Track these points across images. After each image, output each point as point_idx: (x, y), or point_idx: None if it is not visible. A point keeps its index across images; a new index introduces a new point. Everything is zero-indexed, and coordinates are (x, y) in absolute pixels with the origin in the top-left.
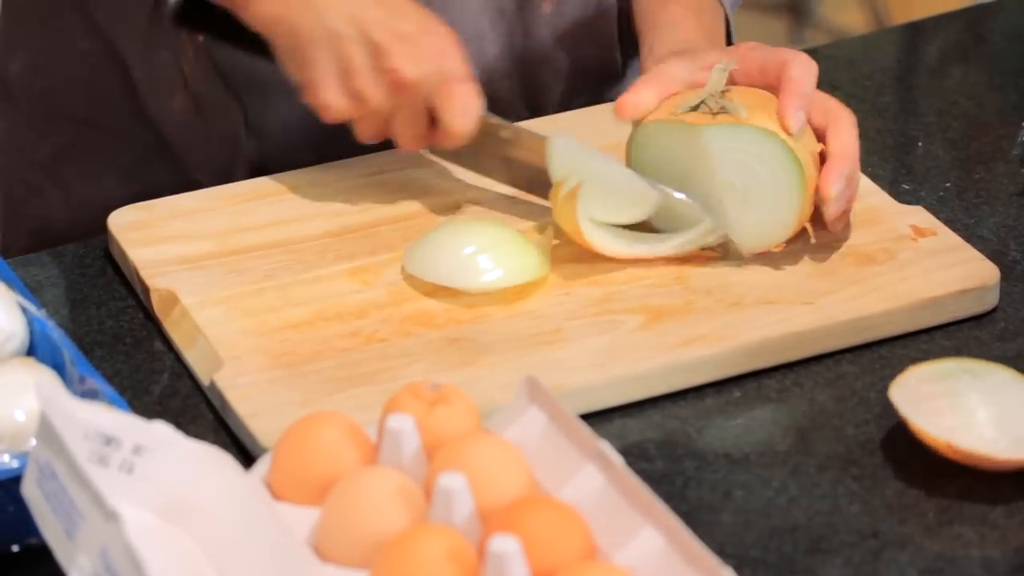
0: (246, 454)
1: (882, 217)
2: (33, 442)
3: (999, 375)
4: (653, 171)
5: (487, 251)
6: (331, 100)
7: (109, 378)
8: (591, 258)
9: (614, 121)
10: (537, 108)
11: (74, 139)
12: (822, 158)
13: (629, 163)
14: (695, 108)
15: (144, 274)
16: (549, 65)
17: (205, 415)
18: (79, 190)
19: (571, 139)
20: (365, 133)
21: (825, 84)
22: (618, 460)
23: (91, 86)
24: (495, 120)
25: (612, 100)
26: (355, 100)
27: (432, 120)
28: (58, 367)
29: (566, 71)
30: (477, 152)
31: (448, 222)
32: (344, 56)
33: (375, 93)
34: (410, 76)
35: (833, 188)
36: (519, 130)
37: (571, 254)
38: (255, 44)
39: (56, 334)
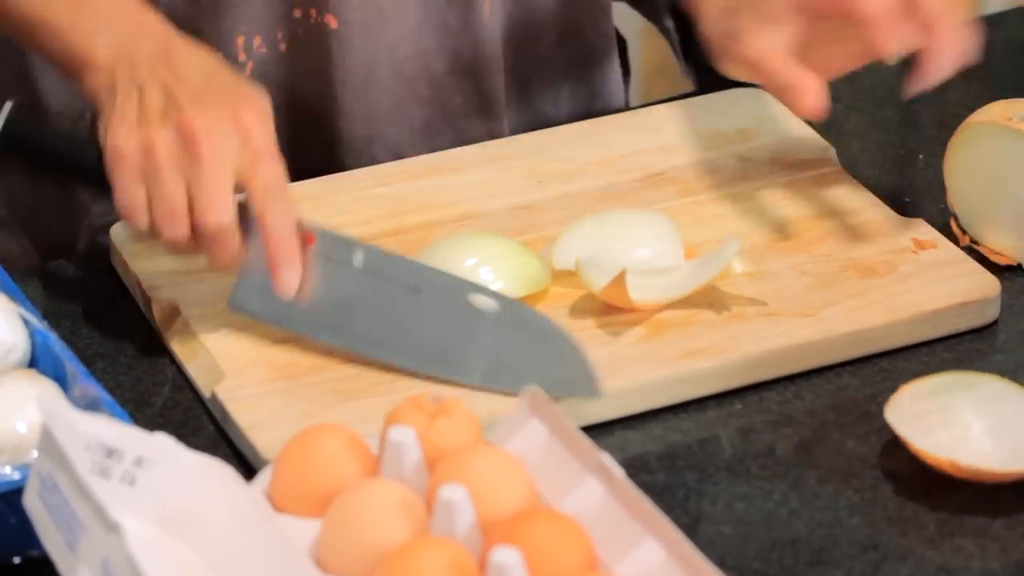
0: (247, 466)
1: (883, 230)
2: (35, 454)
3: (991, 385)
4: (969, 171)
5: (488, 263)
6: (119, 143)
7: (111, 390)
8: None
9: (612, 134)
10: (525, 106)
11: None
12: None
13: (947, 158)
14: None
15: (146, 286)
16: (505, 66)
17: (207, 427)
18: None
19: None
20: (154, 206)
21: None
22: (619, 472)
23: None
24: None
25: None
26: (141, 151)
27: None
28: (60, 379)
29: (533, 66)
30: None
31: (450, 234)
32: (144, 105)
33: (162, 143)
34: (198, 128)
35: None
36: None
37: None
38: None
39: (58, 346)
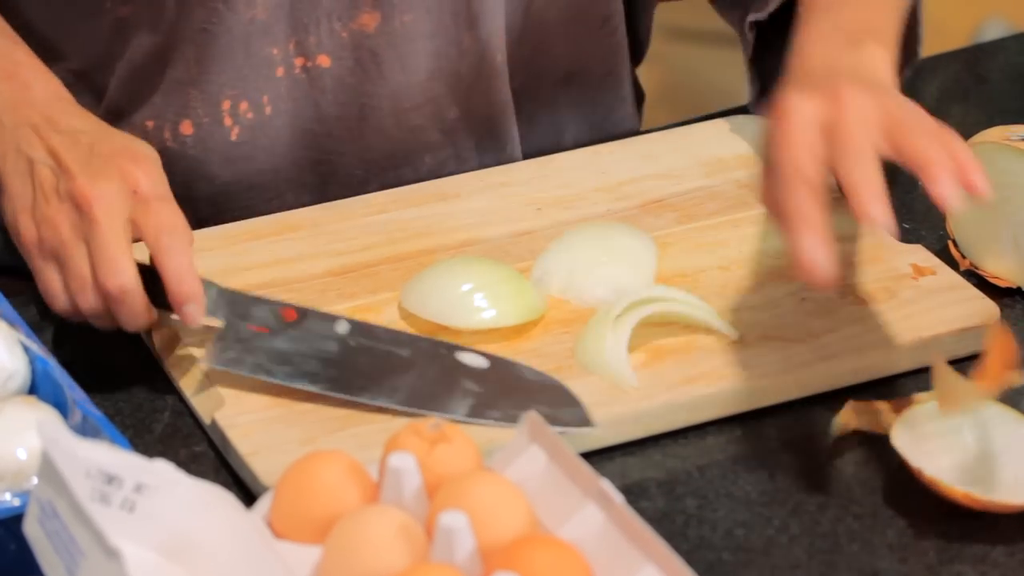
0: (247, 493)
1: (882, 256)
2: (35, 480)
3: (990, 410)
4: None
5: (483, 290)
6: (23, 227)
7: (111, 416)
8: None
9: (612, 161)
10: (535, 145)
11: None
12: None
13: None
14: None
15: None
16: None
17: (207, 454)
18: None
19: None
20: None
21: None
22: (619, 498)
23: None
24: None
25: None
26: (44, 226)
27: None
28: (60, 405)
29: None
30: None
31: (446, 260)
32: (38, 182)
33: (60, 217)
34: (90, 193)
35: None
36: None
37: None
38: None
39: (58, 372)
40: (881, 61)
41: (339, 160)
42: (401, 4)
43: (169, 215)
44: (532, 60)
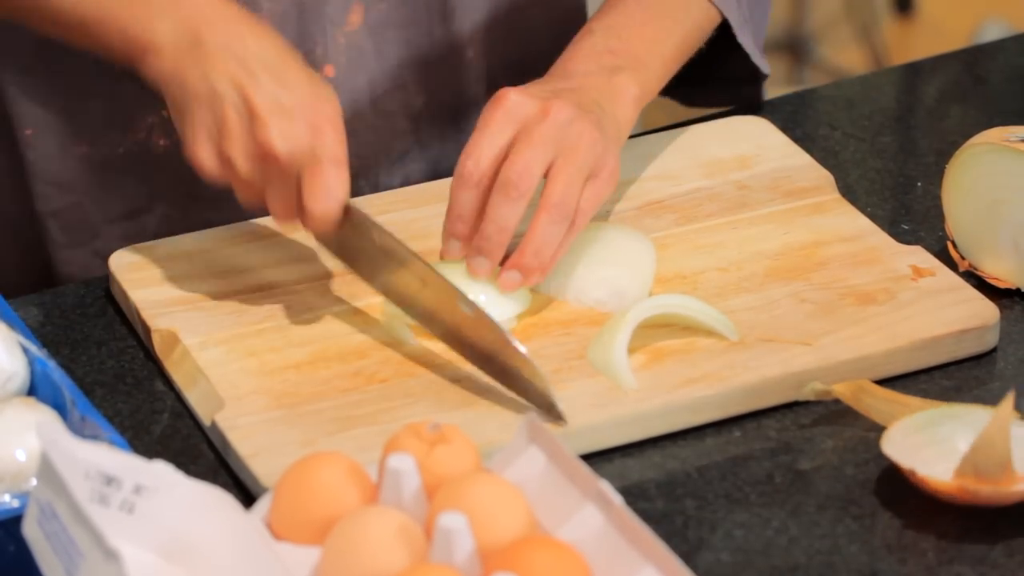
0: (247, 494)
1: (882, 257)
2: (34, 482)
3: (979, 414)
4: (967, 194)
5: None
6: (202, 158)
7: (110, 418)
8: None
9: None
10: None
11: None
12: None
13: (945, 182)
14: None
15: (145, 315)
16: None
17: (206, 455)
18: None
19: None
20: (241, 197)
21: (825, 124)
22: (618, 500)
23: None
24: (368, 221)
25: None
26: (224, 164)
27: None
28: (59, 407)
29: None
30: (351, 250)
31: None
32: (220, 117)
33: (243, 161)
34: (279, 151)
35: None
36: (389, 240)
37: None
38: None
39: (57, 374)
40: (624, 93)
41: None
42: None
43: (335, 183)
44: (518, 59)
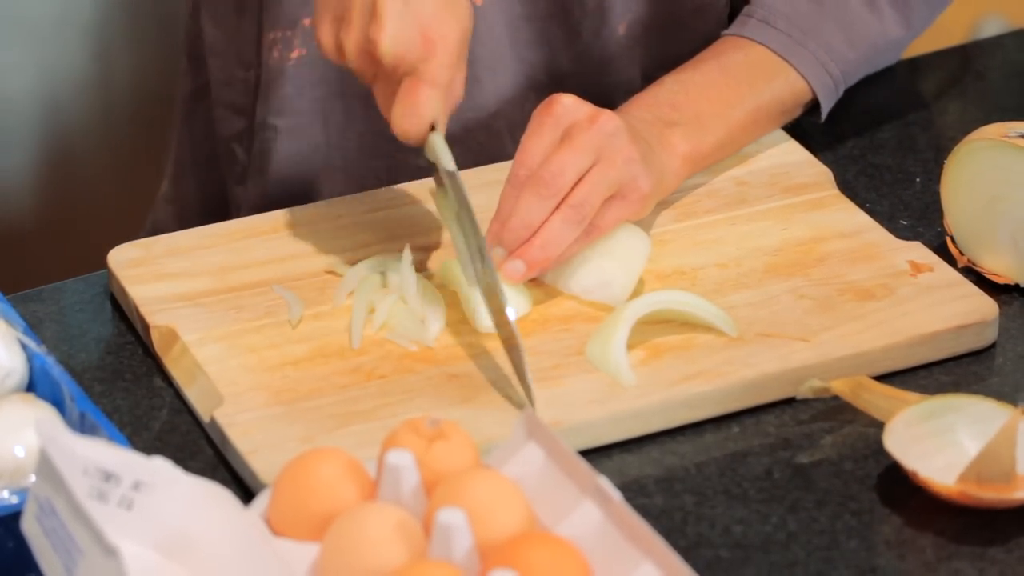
0: (246, 490)
1: (880, 253)
2: (33, 478)
3: (981, 406)
4: (966, 190)
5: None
6: (322, 39)
7: (109, 414)
8: None
9: None
10: None
11: None
12: None
13: (944, 178)
14: None
15: (144, 311)
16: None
17: (205, 451)
18: None
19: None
20: (361, 82)
21: (824, 119)
22: (617, 496)
23: None
24: (453, 182)
25: None
26: (339, 49)
27: None
28: (58, 403)
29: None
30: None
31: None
32: (346, 4)
33: (353, 51)
34: (385, 53)
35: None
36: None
37: None
38: None
39: (56, 370)
40: (675, 147)
41: None
42: None
43: (425, 105)
44: (675, 54)
